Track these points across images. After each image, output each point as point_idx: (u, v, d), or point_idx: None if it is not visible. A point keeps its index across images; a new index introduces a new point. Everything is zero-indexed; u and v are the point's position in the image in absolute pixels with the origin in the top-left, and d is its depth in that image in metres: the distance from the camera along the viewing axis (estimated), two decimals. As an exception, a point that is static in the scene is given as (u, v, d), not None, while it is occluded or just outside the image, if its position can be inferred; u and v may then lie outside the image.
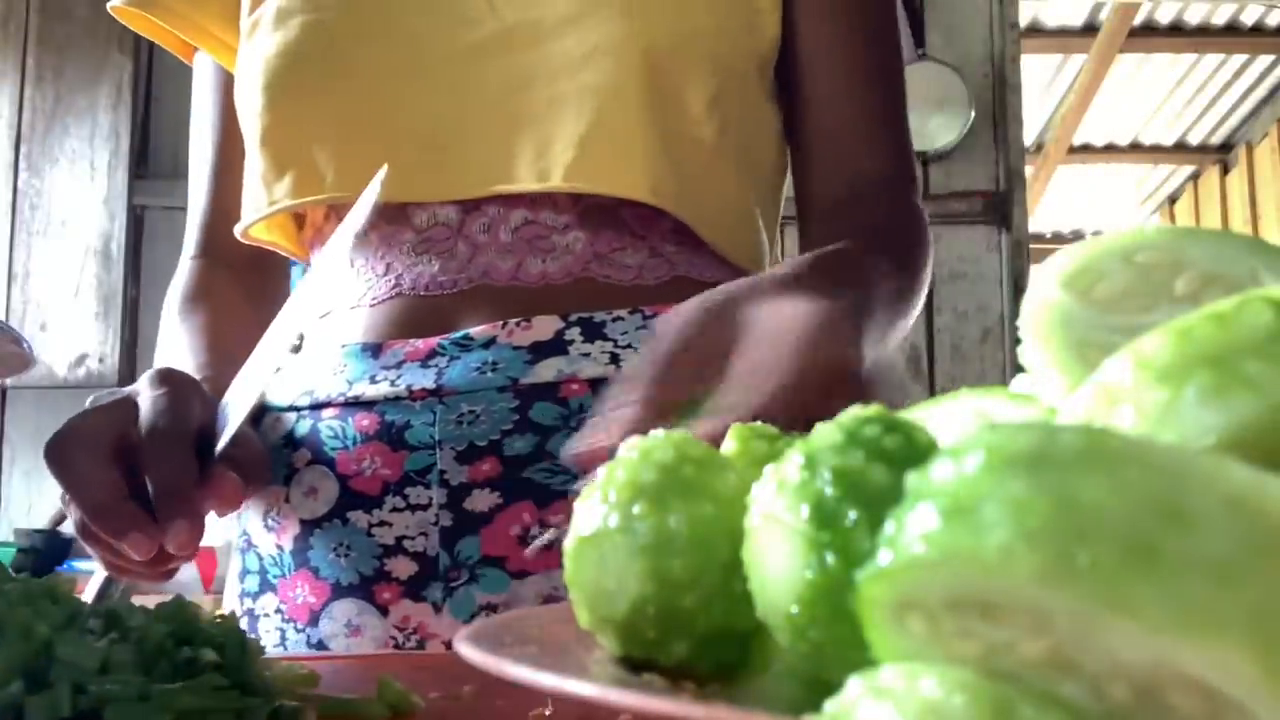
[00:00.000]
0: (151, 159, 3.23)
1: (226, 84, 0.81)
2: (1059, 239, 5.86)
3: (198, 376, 0.68)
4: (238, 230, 0.76)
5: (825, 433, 0.24)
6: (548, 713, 0.42)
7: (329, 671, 0.49)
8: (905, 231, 0.73)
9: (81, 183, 3.00)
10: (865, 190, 0.75)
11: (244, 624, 0.73)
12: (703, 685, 0.26)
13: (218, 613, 0.40)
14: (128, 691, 0.32)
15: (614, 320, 0.69)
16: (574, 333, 0.68)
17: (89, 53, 3.03)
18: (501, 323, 0.68)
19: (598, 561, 0.27)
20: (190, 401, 0.61)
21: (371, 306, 0.72)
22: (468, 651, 0.27)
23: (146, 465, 0.58)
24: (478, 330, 0.68)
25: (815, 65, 0.77)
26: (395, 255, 0.72)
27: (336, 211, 0.75)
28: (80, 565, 2.79)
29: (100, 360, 2.94)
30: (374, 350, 0.70)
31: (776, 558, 0.23)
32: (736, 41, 0.73)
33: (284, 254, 0.82)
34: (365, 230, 0.71)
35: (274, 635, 0.72)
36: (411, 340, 0.70)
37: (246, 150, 0.75)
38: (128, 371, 3.00)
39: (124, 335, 2.98)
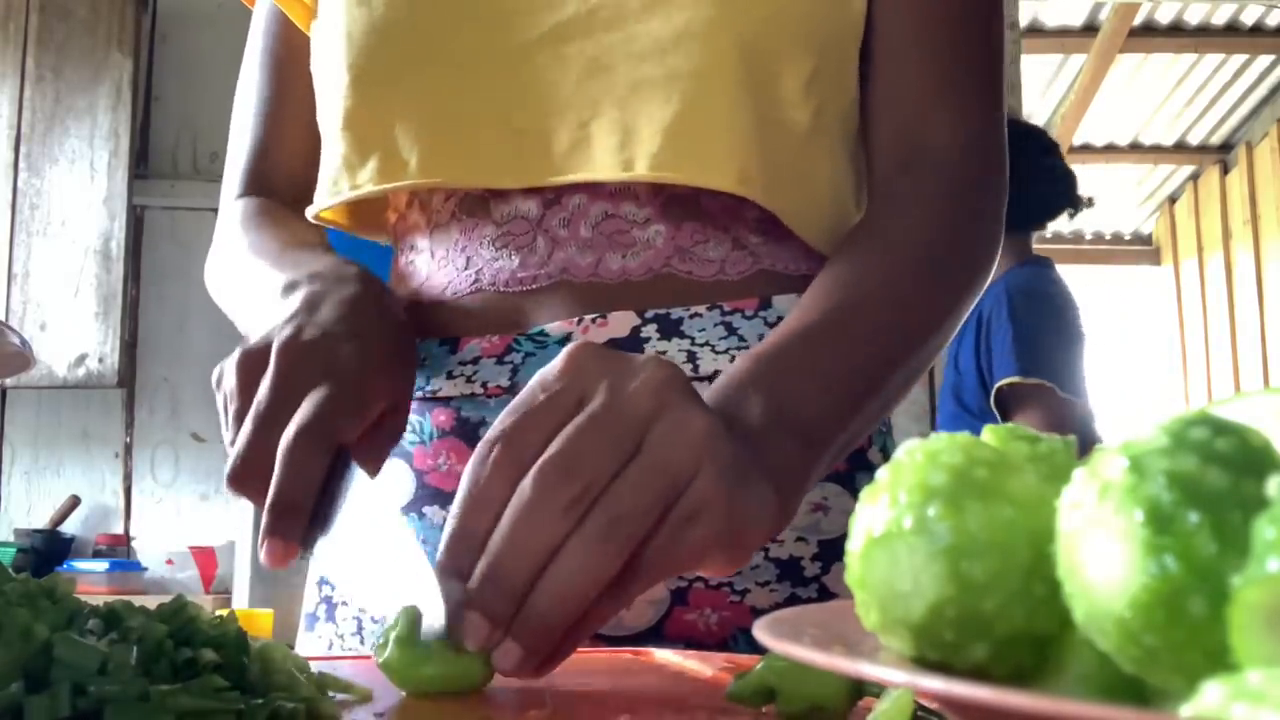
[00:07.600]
0: (151, 159, 3.23)
1: (284, 28, 0.80)
2: (1059, 239, 5.85)
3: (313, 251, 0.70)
4: (310, 212, 0.75)
5: (1145, 435, 0.23)
6: (548, 709, 0.42)
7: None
8: (954, 214, 0.68)
9: (81, 183, 3.00)
10: (920, 165, 0.69)
11: (321, 612, 0.74)
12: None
13: (219, 612, 0.40)
14: (128, 692, 0.32)
15: (692, 317, 0.68)
16: (650, 330, 0.67)
17: (89, 53, 3.03)
18: (577, 319, 0.67)
19: (890, 563, 0.27)
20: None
21: (451, 301, 0.72)
22: (773, 643, 0.27)
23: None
24: (553, 327, 0.68)
25: (882, 24, 0.70)
26: (475, 249, 0.71)
27: (419, 198, 0.74)
28: (80, 565, 2.79)
29: (100, 360, 2.94)
30: (452, 345, 0.70)
31: (1104, 562, 0.22)
32: (830, 15, 0.69)
33: (344, 231, 0.81)
34: (447, 222, 0.72)
35: (350, 624, 0.72)
36: (488, 336, 0.69)
37: (324, 131, 0.73)
38: (127, 372, 3.01)
39: (124, 335, 2.98)
